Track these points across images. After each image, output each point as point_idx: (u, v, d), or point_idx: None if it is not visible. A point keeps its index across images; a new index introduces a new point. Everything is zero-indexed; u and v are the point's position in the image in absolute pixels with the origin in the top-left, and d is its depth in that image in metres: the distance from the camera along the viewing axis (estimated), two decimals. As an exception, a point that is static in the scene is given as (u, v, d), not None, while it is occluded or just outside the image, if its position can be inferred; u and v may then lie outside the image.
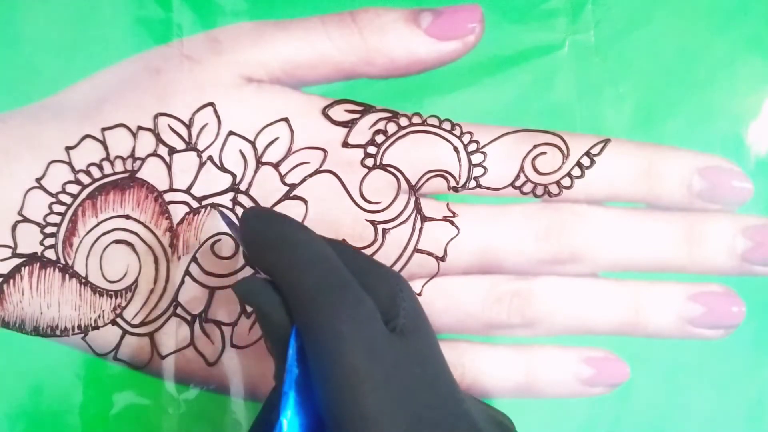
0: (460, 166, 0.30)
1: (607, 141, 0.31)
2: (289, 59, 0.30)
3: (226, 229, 0.30)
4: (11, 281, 0.29)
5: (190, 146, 0.30)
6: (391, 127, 0.30)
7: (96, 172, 0.30)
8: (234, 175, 0.30)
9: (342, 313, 0.22)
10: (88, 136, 0.30)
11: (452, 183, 0.30)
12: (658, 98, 0.31)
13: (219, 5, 0.31)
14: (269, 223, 0.26)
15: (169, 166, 0.30)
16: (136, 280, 0.30)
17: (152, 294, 0.30)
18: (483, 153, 0.30)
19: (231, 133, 0.30)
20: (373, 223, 0.30)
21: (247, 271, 0.30)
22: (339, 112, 0.30)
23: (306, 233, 0.25)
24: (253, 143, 0.30)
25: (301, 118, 0.30)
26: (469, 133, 0.31)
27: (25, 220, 0.30)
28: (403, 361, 0.23)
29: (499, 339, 0.31)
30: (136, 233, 0.30)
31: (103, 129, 0.30)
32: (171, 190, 0.30)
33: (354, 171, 0.30)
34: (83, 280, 0.30)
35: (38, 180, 0.30)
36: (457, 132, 0.30)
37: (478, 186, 0.30)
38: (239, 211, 0.30)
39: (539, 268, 0.31)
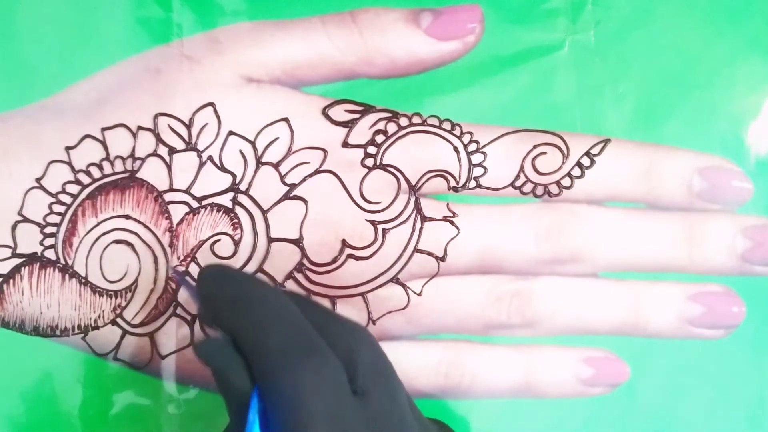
0: (460, 166, 0.30)
1: (607, 141, 0.31)
2: (289, 59, 0.30)
3: (226, 229, 0.30)
4: (11, 281, 0.29)
5: (190, 146, 0.30)
6: (391, 127, 0.30)
7: (96, 172, 0.30)
8: (234, 175, 0.30)
9: (306, 378, 0.22)
10: (88, 136, 0.30)
11: (452, 183, 0.30)
12: (658, 98, 0.31)
13: (219, 5, 0.31)
14: (227, 280, 0.25)
15: (169, 166, 0.30)
16: (136, 280, 0.30)
17: (152, 294, 0.30)
18: (483, 153, 0.30)
19: (231, 133, 0.30)
20: (373, 223, 0.30)
21: (248, 271, 0.30)
22: (339, 112, 0.30)
23: (267, 289, 0.25)
24: (253, 143, 0.30)
25: (301, 118, 0.30)
26: (469, 133, 0.31)
27: (25, 220, 0.29)
28: (365, 426, 0.22)
29: (499, 339, 0.31)
30: (136, 233, 0.30)
31: (103, 129, 0.30)
32: (171, 190, 0.30)
33: (354, 171, 0.30)
34: (83, 280, 0.30)
35: (38, 180, 0.30)
36: (457, 132, 0.30)
37: (478, 186, 0.30)
38: (239, 211, 0.30)
39: (539, 268, 0.31)
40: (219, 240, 0.30)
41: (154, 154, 0.30)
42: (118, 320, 0.30)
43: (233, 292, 0.24)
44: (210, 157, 0.30)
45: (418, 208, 0.30)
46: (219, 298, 0.24)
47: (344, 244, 0.30)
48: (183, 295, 0.29)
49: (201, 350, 0.24)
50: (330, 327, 0.24)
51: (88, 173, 0.30)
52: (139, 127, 0.30)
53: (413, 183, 0.30)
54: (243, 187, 0.30)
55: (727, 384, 0.31)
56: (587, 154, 0.31)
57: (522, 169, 0.31)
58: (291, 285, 0.30)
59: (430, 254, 0.30)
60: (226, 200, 0.30)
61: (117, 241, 0.30)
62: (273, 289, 0.25)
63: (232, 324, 0.23)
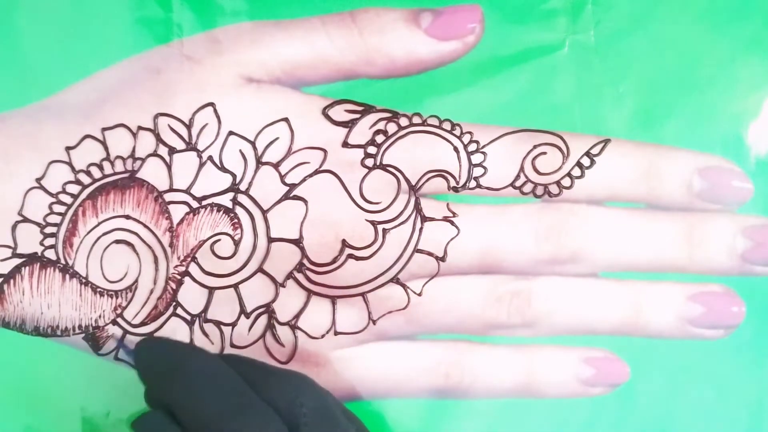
0: (460, 166, 0.30)
1: (607, 141, 0.31)
2: (289, 59, 0.30)
3: (226, 229, 0.30)
4: (11, 281, 0.29)
5: (190, 146, 0.30)
6: (391, 127, 0.30)
7: (96, 172, 0.30)
8: (234, 175, 0.30)
9: None
10: (88, 136, 0.30)
11: (452, 183, 0.30)
12: (658, 98, 0.31)
13: (219, 5, 0.31)
14: (161, 352, 0.25)
15: (169, 166, 0.30)
16: (136, 280, 0.30)
17: (152, 294, 0.30)
18: (483, 153, 0.30)
19: (231, 133, 0.30)
20: (373, 223, 0.30)
21: (248, 271, 0.30)
22: (339, 112, 0.30)
23: (199, 355, 0.25)
24: (253, 143, 0.30)
25: (301, 118, 0.30)
26: (469, 133, 0.31)
27: (25, 220, 0.30)
28: None
29: (499, 339, 0.31)
30: (136, 233, 0.30)
31: (103, 129, 0.30)
32: (171, 190, 0.30)
33: (354, 171, 0.30)
34: (83, 280, 0.30)
35: (38, 180, 0.30)
36: (457, 132, 0.30)
37: (478, 186, 0.30)
38: (239, 211, 0.30)
39: (539, 268, 0.31)
40: (219, 240, 0.30)
41: (154, 154, 0.30)
42: (119, 320, 0.30)
43: (167, 363, 0.25)
44: (210, 157, 0.30)
45: (418, 208, 0.30)
46: (155, 370, 0.25)
47: (344, 244, 0.30)
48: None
49: (138, 427, 0.24)
50: (269, 383, 0.24)
51: (88, 173, 0.30)
52: (139, 127, 0.30)
53: (413, 183, 0.30)
54: (243, 187, 0.30)
55: (727, 384, 0.31)
56: (587, 154, 0.31)
57: (522, 169, 0.31)
58: (291, 285, 0.30)
59: (430, 254, 0.30)
60: (226, 200, 0.30)
61: (117, 241, 0.30)
62: (207, 355, 0.25)
63: (168, 396, 0.24)
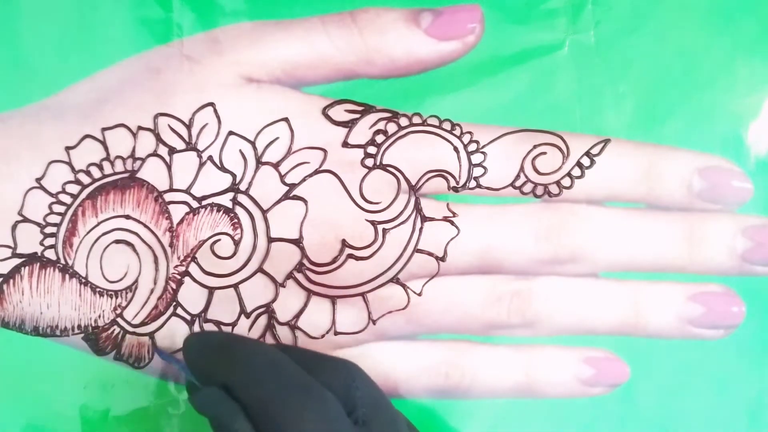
0: (460, 166, 0.30)
1: (607, 141, 0.31)
2: (289, 59, 0.30)
3: (226, 229, 0.30)
4: (11, 281, 0.29)
5: (190, 146, 0.30)
6: (391, 127, 0.30)
7: (96, 172, 0.30)
8: (234, 175, 0.30)
9: (308, 415, 0.22)
10: (88, 136, 0.30)
11: (452, 183, 0.30)
12: (658, 98, 0.31)
13: (219, 5, 0.31)
14: (214, 338, 0.26)
15: (169, 166, 0.30)
16: (136, 280, 0.30)
17: (152, 294, 0.30)
18: (483, 153, 0.30)
19: (231, 133, 0.30)
20: (373, 223, 0.30)
21: (248, 271, 0.30)
22: (339, 112, 0.30)
23: (252, 343, 0.26)
24: (253, 143, 0.30)
25: (301, 118, 0.30)
26: (469, 133, 0.31)
27: (25, 220, 0.30)
28: None
29: (499, 339, 0.31)
30: (136, 233, 0.30)
31: (103, 129, 0.30)
32: (171, 190, 0.30)
33: (354, 171, 0.30)
34: (83, 280, 0.30)
35: (38, 180, 0.30)
36: (457, 132, 0.30)
37: (478, 186, 0.30)
38: (239, 211, 0.30)
39: (539, 268, 0.31)
40: (219, 240, 0.30)
41: (154, 154, 0.30)
42: (118, 320, 0.30)
43: (220, 350, 0.25)
44: (210, 157, 0.30)
45: (418, 208, 0.30)
46: (208, 355, 0.25)
47: (344, 244, 0.30)
48: (170, 369, 0.30)
49: (198, 401, 0.24)
50: (322, 366, 0.25)
51: (88, 173, 0.30)
52: (139, 127, 0.30)
53: (413, 183, 0.30)
54: (243, 187, 0.30)
55: (727, 384, 0.31)
56: (587, 154, 0.31)
57: (522, 169, 0.31)
58: (291, 285, 0.30)
59: (430, 254, 0.30)
60: (226, 200, 0.30)
61: (117, 241, 0.30)
62: (258, 342, 0.26)
63: (226, 377, 0.24)
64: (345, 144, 0.30)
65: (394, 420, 0.25)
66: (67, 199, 0.30)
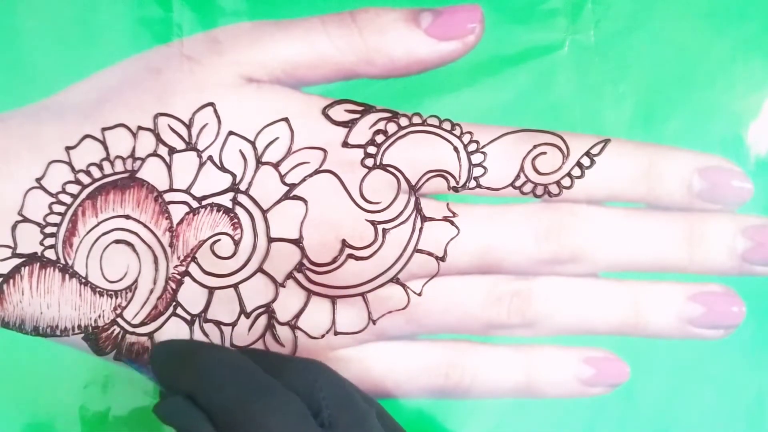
0: (460, 166, 0.30)
1: (607, 141, 0.31)
2: (288, 59, 0.30)
3: (226, 229, 0.30)
4: (11, 281, 0.29)
5: (190, 146, 0.30)
6: (391, 127, 0.30)
7: (96, 172, 0.30)
8: (234, 175, 0.30)
9: (271, 418, 0.22)
10: (88, 136, 0.30)
11: (452, 183, 0.30)
12: (658, 98, 0.31)
13: (219, 5, 0.31)
14: (177, 346, 0.27)
15: (169, 166, 0.30)
16: (136, 280, 0.30)
17: (152, 294, 0.30)
18: (483, 153, 0.30)
19: (231, 133, 0.30)
20: (373, 223, 0.30)
21: (248, 271, 0.30)
22: (339, 112, 0.30)
23: (215, 349, 0.26)
24: (253, 143, 0.30)
25: (301, 118, 0.30)
26: (469, 133, 0.31)
27: (25, 220, 0.30)
28: None
29: (499, 339, 0.31)
30: (136, 233, 0.30)
31: (103, 129, 0.30)
32: (171, 190, 0.30)
33: (354, 171, 0.30)
34: (83, 280, 0.30)
35: (38, 180, 0.30)
36: (457, 132, 0.31)
37: (478, 186, 0.30)
38: (239, 210, 0.30)
39: (539, 268, 0.31)
40: (219, 240, 0.30)
41: (154, 154, 0.30)
42: (118, 320, 0.30)
43: (184, 355, 0.25)
44: (210, 157, 0.30)
45: (418, 208, 0.30)
46: (171, 363, 0.25)
47: (344, 244, 0.30)
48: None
49: (162, 411, 0.24)
50: (286, 368, 0.25)
51: (88, 173, 0.30)
52: (139, 127, 0.30)
53: (413, 183, 0.30)
54: (243, 187, 0.30)
55: (727, 384, 0.31)
56: (587, 154, 0.31)
57: (522, 169, 0.31)
58: (291, 285, 0.30)
59: (430, 254, 0.30)
60: (226, 200, 0.30)
61: (117, 241, 0.30)
62: (221, 347, 0.26)
63: (188, 384, 0.24)
64: (345, 144, 0.30)
65: (363, 419, 0.25)
66: (67, 199, 0.30)
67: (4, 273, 0.29)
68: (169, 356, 0.26)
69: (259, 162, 0.30)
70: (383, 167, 0.30)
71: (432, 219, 0.30)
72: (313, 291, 0.30)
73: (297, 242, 0.30)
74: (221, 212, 0.30)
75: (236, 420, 0.22)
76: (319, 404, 0.24)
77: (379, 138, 0.30)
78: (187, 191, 0.30)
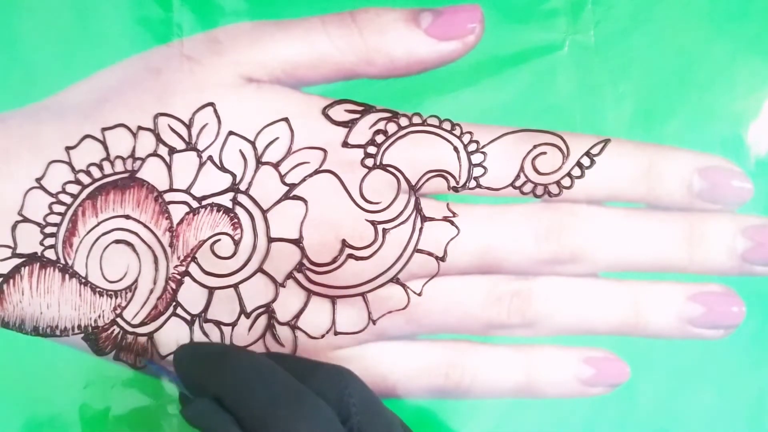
0: (460, 166, 0.30)
1: (607, 141, 0.31)
2: (289, 59, 0.30)
3: (226, 229, 0.30)
4: (11, 281, 0.29)
5: (190, 146, 0.30)
6: (391, 127, 0.30)
7: (96, 172, 0.30)
8: (234, 175, 0.30)
9: (301, 424, 0.22)
10: (88, 136, 0.30)
11: (452, 183, 0.30)
12: (658, 98, 0.31)
13: (219, 5, 0.31)
14: (204, 350, 0.26)
15: (169, 166, 0.30)
16: (136, 280, 0.30)
17: (152, 294, 0.30)
18: (483, 153, 0.30)
19: (231, 133, 0.30)
20: (373, 223, 0.30)
21: (248, 271, 0.30)
22: (339, 112, 0.30)
23: (244, 353, 0.26)
24: (253, 143, 0.30)
25: (301, 118, 0.30)
26: (469, 133, 0.31)
27: (25, 220, 0.30)
28: None
29: (499, 339, 0.31)
30: (136, 233, 0.30)
31: (103, 129, 0.30)
32: (171, 190, 0.30)
33: (354, 171, 0.30)
34: (83, 280, 0.30)
35: (38, 180, 0.30)
36: (457, 132, 0.31)
37: (478, 186, 0.30)
38: (239, 210, 0.30)
39: (539, 268, 0.31)
40: (219, 240, 0.30)
41: (154, 154, 0.30)
42: (118, 320, 0.30)
43: (213, 361, 0.25)
44: (210, 157, 0.30)
45: (418, 208, 0.30)
46: (200, 369, 0.25)
47: (344, 244, 0.30)
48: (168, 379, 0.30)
49: (189, 412, 0.24)
50: (315, 374, 0.25)
51: (88, 173, 0.30)
52: (139, 127, 0.30)
53: (413, 183, 0.30)
54: (243, 187, 0.30)
55: (727, 384, 0.31)
56: (587, 154, 0.31)
57: (522, 169, 0.31)
58: (291, 285, 0.30)
59: (430, 254, 0.30)
60: (226, 200, 0.30)
61: (117, 241, 0.30)
62: (250, 351, 0.26)
63: (216, 388, 0.24)
64: (345, 144, 0.30)
65: (389, 426, 0.25)
66: (67, 199, 0.30)
67: (4, 273, 0.29)
68: (196, 359, 0.26)
69: (259, 162, 0.30)
70: (383, 167, 0.30)
71: (432, 219, 0.30)
72: (313, 291, 0.30)
73: (297, 242, 0.30)
74: (221, 212, 0.30)
75: (266, 425, 0.22)
76: (349, 411, 0.24)
77: (379, 138, 0.30)
78: (187, 191, 0.30)
